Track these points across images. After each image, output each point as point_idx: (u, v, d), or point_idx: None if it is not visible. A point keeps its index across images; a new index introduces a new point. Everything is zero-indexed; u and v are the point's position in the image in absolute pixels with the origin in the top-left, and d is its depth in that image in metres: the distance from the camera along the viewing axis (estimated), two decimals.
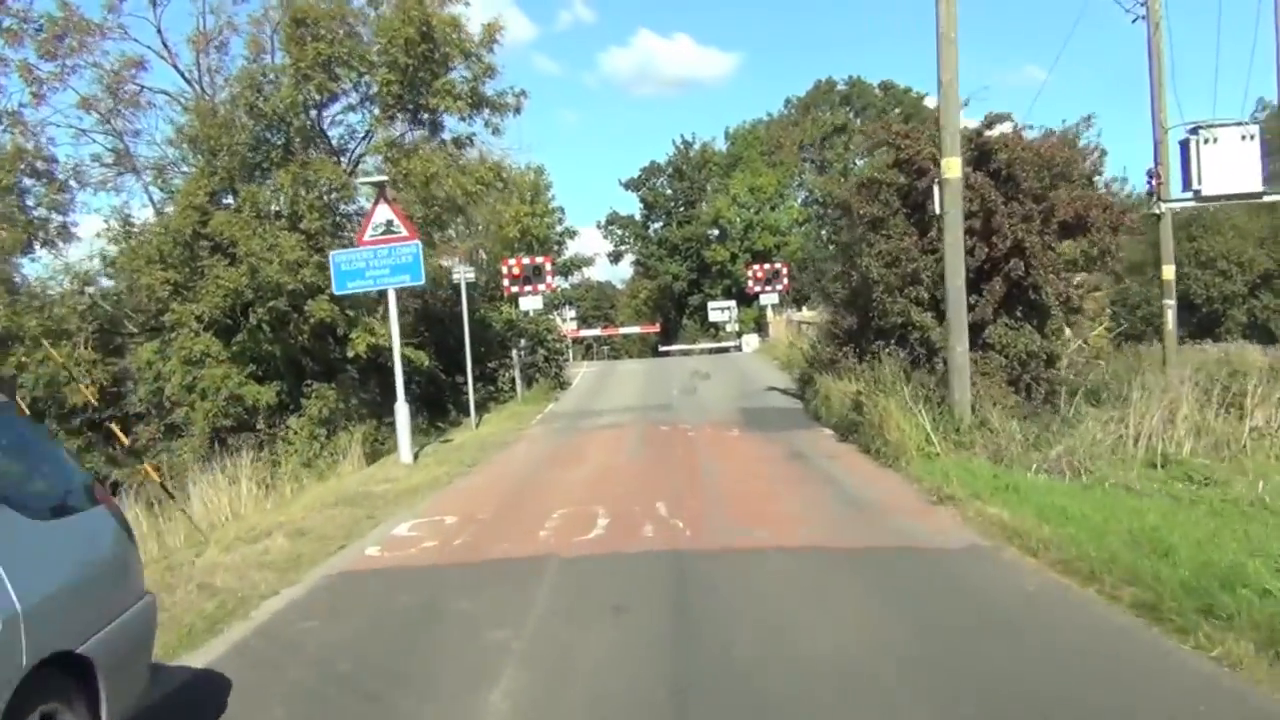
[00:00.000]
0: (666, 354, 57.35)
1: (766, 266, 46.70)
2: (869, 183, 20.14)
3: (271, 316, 21.52)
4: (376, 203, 16.23)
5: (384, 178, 17.27)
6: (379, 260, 16.02)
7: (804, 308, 43.74)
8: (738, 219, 60.45)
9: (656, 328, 57.81)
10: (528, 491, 13.15)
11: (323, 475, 19.39)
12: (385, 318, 24.18)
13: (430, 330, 27.41)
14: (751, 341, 50.22)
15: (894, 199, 19.35)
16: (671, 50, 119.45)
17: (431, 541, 10.12)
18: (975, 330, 16.90)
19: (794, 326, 38.43)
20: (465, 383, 24.28)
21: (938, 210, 15.35)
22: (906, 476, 12.70)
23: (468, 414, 24.04)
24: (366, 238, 16.11)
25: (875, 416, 15.13)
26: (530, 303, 35.10)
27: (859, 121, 66.71)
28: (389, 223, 16.05)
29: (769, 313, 45.51)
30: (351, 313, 22.31)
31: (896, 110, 67.87)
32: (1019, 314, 18.23)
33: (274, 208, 21.37)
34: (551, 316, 33.84)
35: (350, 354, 21.40)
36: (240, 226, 20.65)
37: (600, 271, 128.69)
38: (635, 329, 62.11)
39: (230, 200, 22.10)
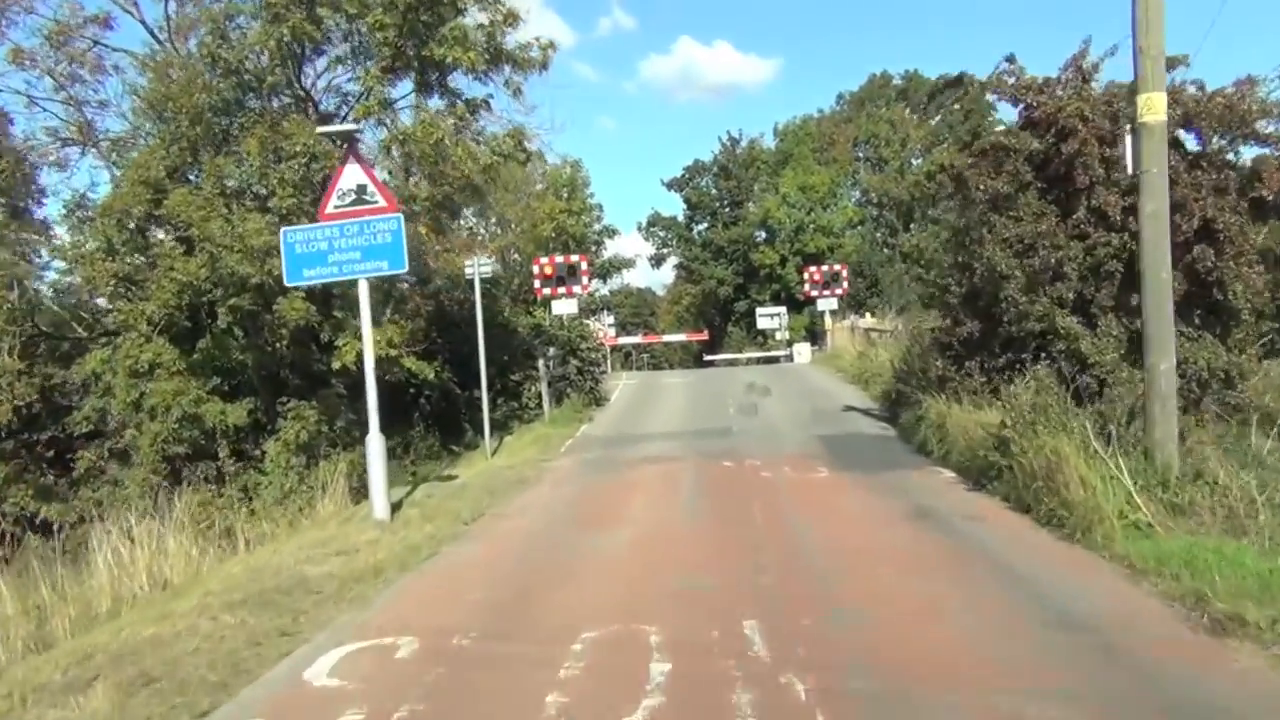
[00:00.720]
0: (711, 363, 52.69)
1: (824, 268, 41.82)
2: (991, 149, 15.41)
3: (239, 318, 17.21)
4: (345, 162, 11.70)
5: (353, 126, 12.74)
6: (347, 240, 11.51)
7: (866, 314, 38.87)
8: (788, 220, 55.61)
9: (704, 335, 52.87)
10: (540, 582, 8.53)
11: (294, 521, 15.02)
12: (390, 320, 20.03)
13: (444, 336, 22.98)
14: (803, 351, 45.31)
15: (1024, 170, 14.72)
16: (712, 57, 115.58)
17: (357, 714, 5.56)
18: (1133, 342, 12.43)
19: (861, 334, 33.61)
20: (486, 398, 19.87)
21: (1130, 169, 10.63)
22: (1119, 565, 8.08)
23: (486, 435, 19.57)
24: (330, 209, 11.62)
25: (1037, 462, 10.42)
26: (564, 306, 30.65)
27: (915, 118, 61.77)
28: (360, 189, 11.54)
29: (826, 319, 40.69)
30: (339, 314, 17.92)
31: (956, 106, 63.08)
32: (1196, 319, 13.67)
33: (238, 184, 17.00)
34: (587, 322, 29.12)
35: (336, 365, 17.00)
36: (199, 206, 16.34)
37: (639, 277, 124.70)
38: (680, 336, 57.35)
39: (196, 177, 17.80)
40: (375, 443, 11.71)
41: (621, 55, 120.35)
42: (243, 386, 18.02)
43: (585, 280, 32.91)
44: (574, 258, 33.61)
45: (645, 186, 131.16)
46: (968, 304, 15.41)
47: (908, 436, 16.56)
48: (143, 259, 16.88)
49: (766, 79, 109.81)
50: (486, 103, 18.02)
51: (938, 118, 62.67)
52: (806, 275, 41.43)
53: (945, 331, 16.11)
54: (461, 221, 42.98)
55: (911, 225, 61.45)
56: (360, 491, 17.05)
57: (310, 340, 17.78)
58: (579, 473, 15.45)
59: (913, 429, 16.37)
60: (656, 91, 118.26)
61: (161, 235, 17.22)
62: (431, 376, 18.88)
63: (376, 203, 11.66)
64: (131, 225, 17.01)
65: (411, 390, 21.27)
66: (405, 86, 18.57)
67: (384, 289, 21.95)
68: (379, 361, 18.67)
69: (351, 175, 11.62)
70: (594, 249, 45.74)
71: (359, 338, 17.99)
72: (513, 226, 44.16)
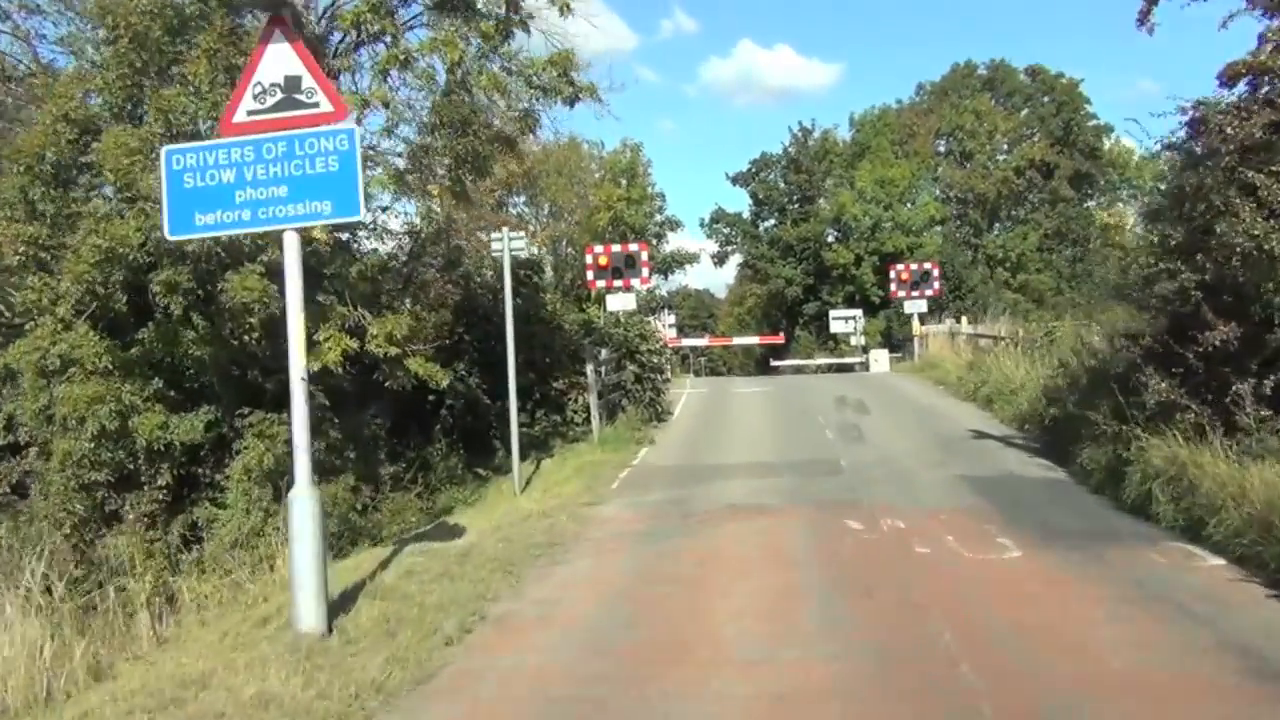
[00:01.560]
0: (776, 369, 47.65)
1: (914, 266, 36.55)
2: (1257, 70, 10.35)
3: (194, 302, 12.69)
4: (268, 39, 7.03)
5: None
6: (266, 167, 6.87)
7: (961, 318, 33.57)
8: (864, 216, 50.35)
9: (779, 338, 47.55)
10: None
11: (241, 588, 10.49)
12: (393, 309, 15.47)
13: (472, 333, 18.34)
14: (881, 358, 40.14)
15: None
16: (773, 60, 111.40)
17: None
18: None
19: (964, 341, 28.42)
20: (515, 411, 15.29)
21: None
22: None
23: (520, 457, 14.93)
24: (241, 118, 6.99)
25: None
26: (620, 302, 25.92)
27: (1001, 110, 56.08)
28: (291, 84, 6.87)
29: (914, 323, 35.41)
30: (323, 298, 13.32)
31: (1046, 99, 57.25)
32: None
33: (190, 121, 12.40)
34: (649, 320, 24.18)
35: (317, 365, 12.39)
36: (132, 151, 11.83)
37: (697, 278, 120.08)
38: (751, 339, 52.04)
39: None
40: (301, 507, 6.93)
41: (682, 58, 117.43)
42: (204, 392, 13.51)
43: (645, 273, 28.13)
44: (633, 246, 28.83)
45: (703, 190, 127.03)
46: (1212, 294, 10.30)
47: (1097, 484, 11.52)
48: (60, 222, 12.37)
49: (828, 83, 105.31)
50: (524, 23, 13.18)
51: (1025, 109, 56.97)
52: (893, 273, 36.14)
53: (1162, 338, 11.03)
54: (510, 209, 38.62)
55: (995, 225, 55.85)
56: (341, 540, 12.47)
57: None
58: (636, 532, 10.56)
59: (1106, 475, 11.32)
60: (716, 95, 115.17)
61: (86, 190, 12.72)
62: (446, 383, 14.18)
63: (316, 106, 6.95)
64: (53, 178, 12.54)
65: (432, 398, 16.67)
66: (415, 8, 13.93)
67: (397, 269, 17.40)
68: (376, 363, 14.18)
69: (277, 60, 6.91)
70: (654, 242, 40.98)
71: (347, 330, 13.53)
72: (566, 216, 39.56)
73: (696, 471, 14.21)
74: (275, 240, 9.59)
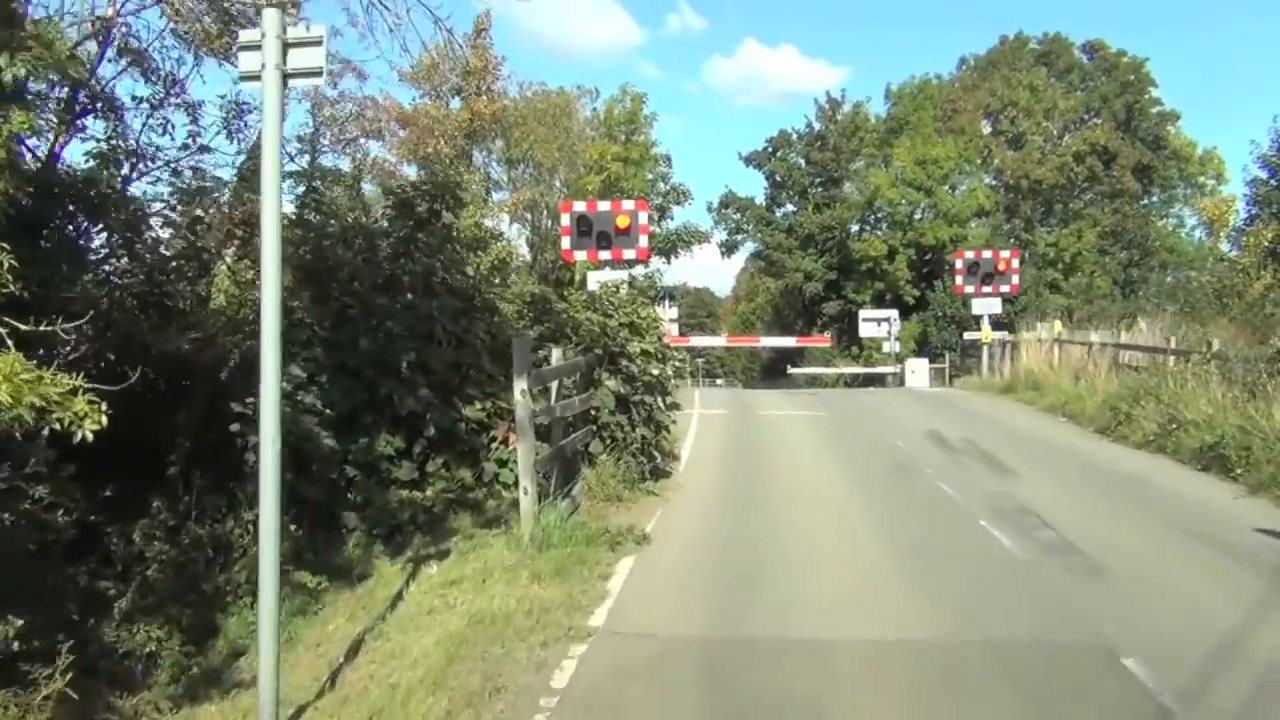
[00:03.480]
0: (793, 380, 39.01)
1: (986, 254, 27.68)
2: None
3: None
4: None
5: None
6: None
7: (1054, 322, 24.72)
8: (902, 201, 41.61)
9: (826, 340, 38.14)
10: None
11: None
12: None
13: (316, 311, 9.60)
14: (920, 370, 31.46)
15: None
16: (777, 61, 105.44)
17: None
18: None
19: (1090, 354, 19.64)
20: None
21: None
22: None
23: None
24: None
25: None
26: (601, 277, 17.30)
27: (1059, 87, 47.22)
28: None
29: (985, 327, 26.65)
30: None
31: (1105, 79, 48.36)
32: None
33: None
34: (644, 302, 14.78)
35: None
36: None
37: (696, 275, 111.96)
38: (785, 340, 42.49)
39: None
40: None
41: (686, 56, 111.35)
42: None
43: (644, 242, 19.35)
44: (628, 203, 20.11)
45: (701, 192, 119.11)
46: None
47: None
48: None
49: (833, 87, 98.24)
50: None
51: (1083, 89, 48.14)
52: (960, 262, 27.24)
53: None
54: (479, 168, 29.81)
55: (1050, 219, 47.01)
56: None
57: None
58: None
59: None
60: (719, 95, 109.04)
61: None
62: (100, 426, 5.39)
63: None
64: None
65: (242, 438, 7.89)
66: None
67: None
68: None
69: None
70: (656, 216, 32.18)
71: None
72: (547, 177, 30.75)
73: (749, 663, 5.49)
74: None
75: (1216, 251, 48.03)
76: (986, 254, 27.48)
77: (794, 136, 47.66)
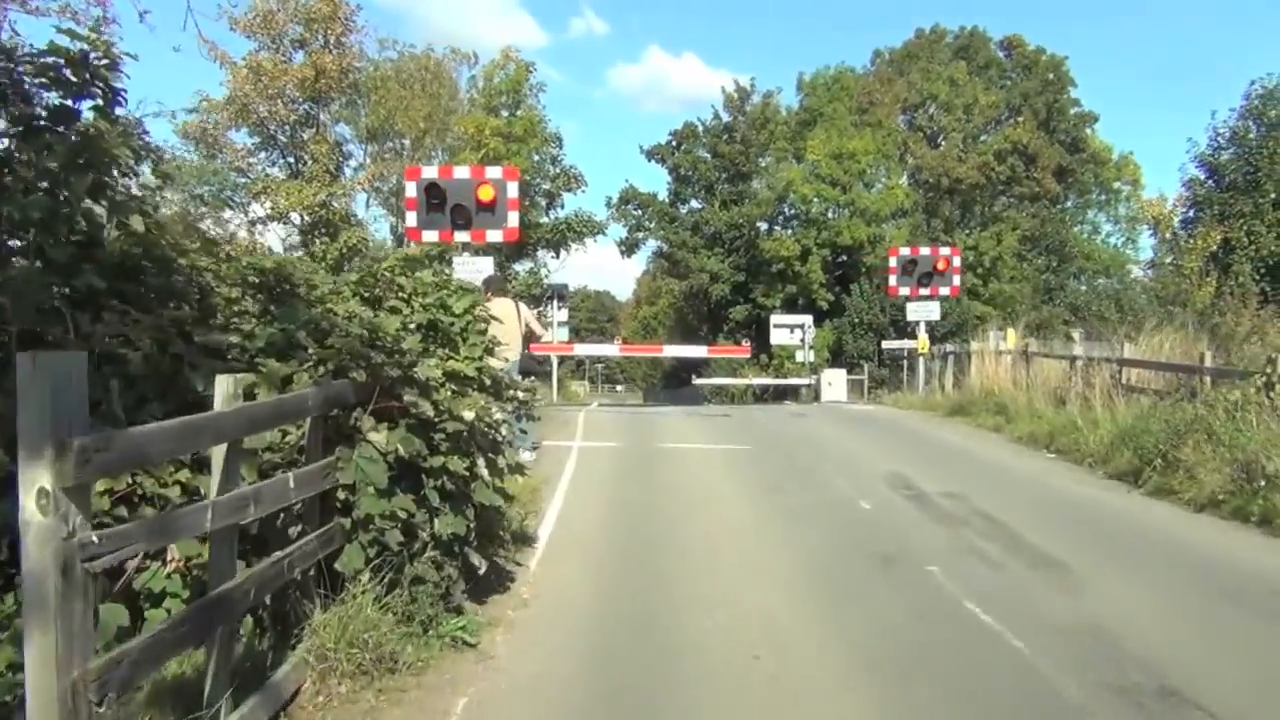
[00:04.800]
0: (698, 390, 34.54)
1: (924, 252, 23.57)
2: None
3: None
4: None
5: None
6: None
7: (1007, 331, 20.73)
8: (815, 197, 37.67)
9: (746, 350, 33.15)
10: None
11: None
12: None
13: None
14: (837, 382, 27.40)
15: None
16: (680, 69, 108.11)
17: None
18: None
19: (1068, 373, 15.52)
20: None
21: None
22: None
23: None
24: None
25: None
26: (469, 269, 12.68)
27: (980, 84, 44.04)
28: None
29: (922, 336, 22.62)
30: None
31: (1020, 78, 45.38)
32: None
33: None
34: (470, 297, 8.81)
35: None
36: None
37: (598, 279, 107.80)
38: (696, 350, 35.75)
39: None
40: None
41: (591, 60, 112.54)
42: None
43: (514, 220, 14.50)
44: (492, 171, 15.28)
45: (605, 187, 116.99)
46: None
47: None
48: None
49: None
50: None
51: (1002, 86, 45.03)
52: (895, 260, 23.06)
53: None
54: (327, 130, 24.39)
55: (970, 221, 43.69)
56: None
57: None
58: None
59: None
60: (624, 99, 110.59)
61: None
62: None
63: None
64: None
65: None
66: None
67: None
68: None
69: None
70: (542, 204, 27.32)
71: None
72: (413, 150, 25.59)
73: None
74: None
75: (1127, 259, 46.17)
76: (925, 250, 23.43)
77: (700, 130, 43.40)
